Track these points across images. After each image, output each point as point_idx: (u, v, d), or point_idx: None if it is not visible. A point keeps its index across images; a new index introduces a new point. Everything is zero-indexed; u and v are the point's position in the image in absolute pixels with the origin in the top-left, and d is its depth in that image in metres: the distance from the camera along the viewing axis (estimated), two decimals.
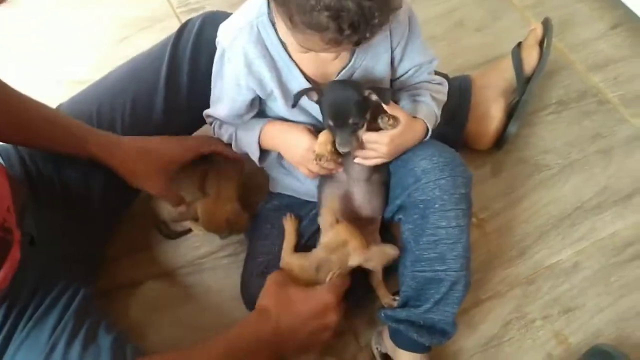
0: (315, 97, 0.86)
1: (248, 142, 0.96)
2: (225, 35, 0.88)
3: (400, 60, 0.92)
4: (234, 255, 1.13)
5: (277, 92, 0.89)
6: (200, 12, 1.39)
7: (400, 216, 0.96)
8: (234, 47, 0.86)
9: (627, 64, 1.45)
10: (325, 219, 0.96)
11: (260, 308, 0.89)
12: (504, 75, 1.24)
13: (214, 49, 0.96)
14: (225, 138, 1.00)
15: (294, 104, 0.86)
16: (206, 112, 0.99)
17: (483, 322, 1.08)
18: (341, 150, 0.86)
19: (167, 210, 1.08)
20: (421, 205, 0.89)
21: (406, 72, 0.94)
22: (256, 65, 0.86)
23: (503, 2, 1.54)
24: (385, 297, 0.99)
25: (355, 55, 0.87)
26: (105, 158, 0.93)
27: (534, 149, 1.29)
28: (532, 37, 1.27)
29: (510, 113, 1.23)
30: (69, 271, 0.92)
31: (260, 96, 0.91)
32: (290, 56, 0.86)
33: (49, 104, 0.93)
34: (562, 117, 1.35)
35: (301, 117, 0.94)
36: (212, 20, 1.02)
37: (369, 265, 0.94)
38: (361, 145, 0.88)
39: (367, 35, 0.71)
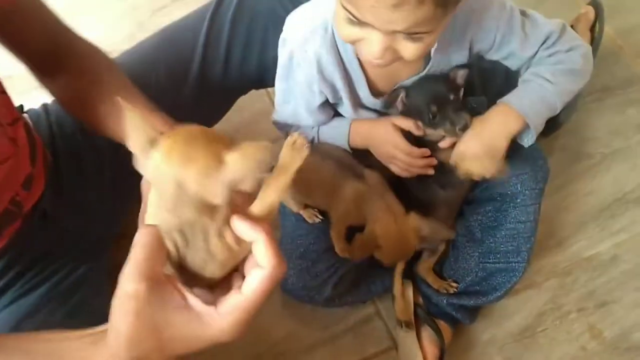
0: (402, 101, 0.84)
1: (335, 140, 0.93)
2: (294, 34, 0.84)
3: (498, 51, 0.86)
4: None
5: (346, 100, 0.86)
6: None
7: (463, 208, 0.97)
8: (306, 51, 0.82)
9: None
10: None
11: None
12: None
13: (254, 21, 0.94)
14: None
15: (388, 107, 0.85)
16: (276, 119, 0.95)
17: (517, 312, 1.06)
18: (459, 127, 0.81)
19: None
20: (499, 199, 0.91)
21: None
22: (329, 71, 0.83)
23: None
24: (439, 283, 1.00)
25: (430, 64, 0.83)
26: None
27: (577, 137, 1.26)
28: (583, 21, 1.22)
29: None
30: (77, 249, 0.90)
31: (330, 101, 0.88)
32: (361, 65, 0.83)
33: None
34: (606, 104, 1.31)
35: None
36: None
37: None
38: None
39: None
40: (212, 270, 0.47)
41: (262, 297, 0.45)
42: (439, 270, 1.03)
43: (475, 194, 0.96)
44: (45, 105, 0.95)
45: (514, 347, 1.03)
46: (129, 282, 0.44)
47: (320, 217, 0.97)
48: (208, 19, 0.97)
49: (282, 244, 1.01)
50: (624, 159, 1.24)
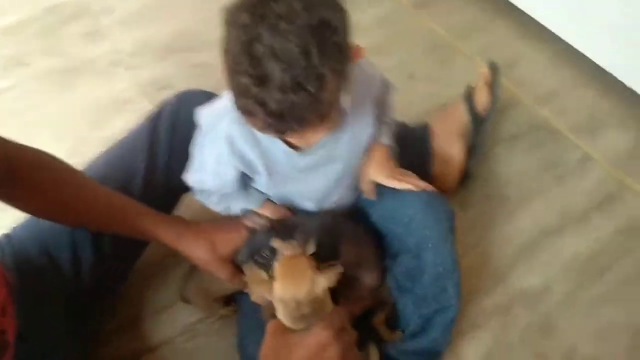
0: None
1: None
2: (207, 117, 0.94)
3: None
4: (227, 317, 1.17)
5: (261, 168, 0.94)
6: (169, 90, 1.48)
7: (388, 263, 1.05)
8: (217, 129, 0.91)
9: (570, 94, 1.57)
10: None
11: None
12: (460, 118, 1.34)
13: (190, 129, 1.01)
14: (213, 207, 1.04)
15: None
16: (191, 181, 1.01)
17: (468, 355, 1.15)
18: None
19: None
20: (414, 248, 0.99)
21: None
22: (239, 144, 0.91)
23: (450, 51, 1.66)
24: (388, 334, 1.07)
25: (345, 127, 0.94)
26: (177, 248, 1.00)
27: (494, 184, 1.39)
28: (481, 80, 1.38)
29: (470, 152, 1.33)
30: None
31: (245, 172, 0.95)
32: None
33: None
34: (517, 150, 1.45)
35: (279, 199, 1.01)
36: (188, 100, 1.09)
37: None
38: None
39: (295, 127, 0.75)
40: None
41: None
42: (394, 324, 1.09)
43: (394, 247, 1.04)
44: (7, 235, 1.00)
45: None
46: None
47: None
48: (147, 135, 1.06)
49: (240, 321, 1.10)
50: (540, 197, 1.37)
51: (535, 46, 1.66)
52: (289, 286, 0.84)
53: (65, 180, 0.94)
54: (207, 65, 1.58)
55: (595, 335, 1.17)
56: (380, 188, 1.02)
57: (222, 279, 1.04)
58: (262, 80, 0.70)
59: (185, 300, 1.18)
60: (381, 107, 1.03)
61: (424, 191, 1.00)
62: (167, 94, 1.14)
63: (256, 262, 0.93)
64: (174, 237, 0.99)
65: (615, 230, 1.32)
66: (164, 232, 0.99)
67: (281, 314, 0.87)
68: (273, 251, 0.89)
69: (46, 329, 0.94)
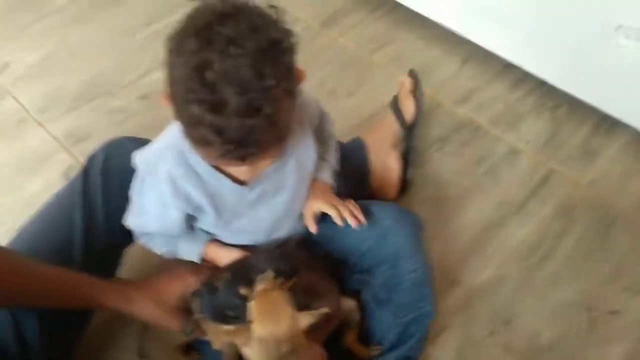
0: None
1: (189, 254, 0.98)
2: (144, 161, 0.90)
3: None
4: None
5: (208, 207, 0.91)
6: (89, 140, 1.42)
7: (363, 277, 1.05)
8: (157, 171, 0.87)
9: (484, 91, 1.63)
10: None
11: None
12: (390, 129, 1.36)
13: (124, 178, 0.97)
14: (157, 250, 1.00)
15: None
16: (132, 225, 0.97)
17: (441, 356, 1.15)
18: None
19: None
20: (391, 258, 0.99)
21: None
22: (182, 185, 0.87)
23: (365, 64, 1.69)
24: (363, 351, 1.05)
25: (288, 154, 0.92)
26: (125, 311, 0.97)
27: (433, 186, 1.42)
28: (403, 89, 1.40)
29: (405, 160, 1.35)
30: None
31: (190, 213, 0.92)
32: (216, 167, 0.87)
33: None
34: (446, 151, 1.49)
35: (228, 235, 0.98)
36: (114, 149, 1.04)
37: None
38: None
39: (254, 151, 0.74)
40: None
41: None
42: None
43: (364, 263, 1.04)
44: None
45: None
46: None
47: None
48: (79, 192, 1.00)
49: None
50: (476, 192, 1.41)
51: (445, 50, 1.72)
52: (269, 323, 0.81)
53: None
54: (124, 109, 1.53)
55: (553, 317, 1.21)
56: None
57: (175, 330, 1.01)
58: (217, 106, 0.67)
59: (144, 356, 1.11)
60: (320, 140, 1.02)
61: (392, 203, 1.03)
62: (87, 145, 1.10)
63: (228, 318, 0.88)
64: (121, 302, 0.95)
65: (551, 213, 1.37)
66: (110, 299, 0.94)
67: (257, 357, 0.83)
68: (242, 299, 0.86)
69: None
